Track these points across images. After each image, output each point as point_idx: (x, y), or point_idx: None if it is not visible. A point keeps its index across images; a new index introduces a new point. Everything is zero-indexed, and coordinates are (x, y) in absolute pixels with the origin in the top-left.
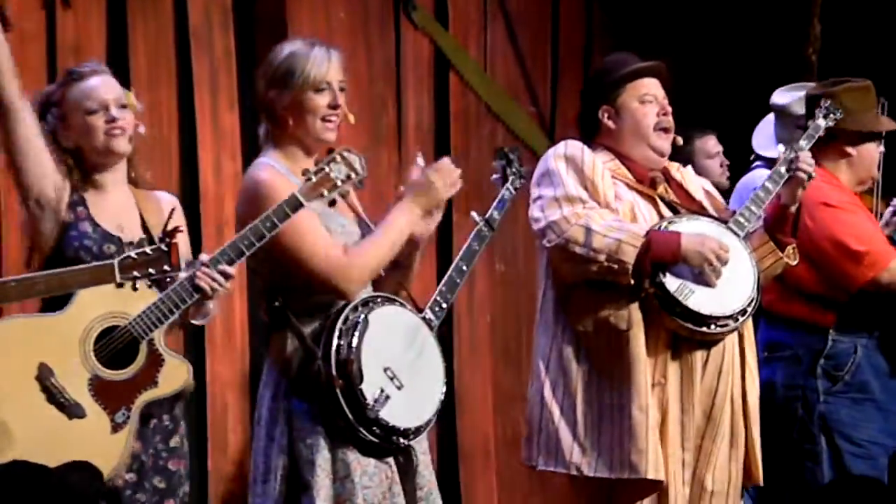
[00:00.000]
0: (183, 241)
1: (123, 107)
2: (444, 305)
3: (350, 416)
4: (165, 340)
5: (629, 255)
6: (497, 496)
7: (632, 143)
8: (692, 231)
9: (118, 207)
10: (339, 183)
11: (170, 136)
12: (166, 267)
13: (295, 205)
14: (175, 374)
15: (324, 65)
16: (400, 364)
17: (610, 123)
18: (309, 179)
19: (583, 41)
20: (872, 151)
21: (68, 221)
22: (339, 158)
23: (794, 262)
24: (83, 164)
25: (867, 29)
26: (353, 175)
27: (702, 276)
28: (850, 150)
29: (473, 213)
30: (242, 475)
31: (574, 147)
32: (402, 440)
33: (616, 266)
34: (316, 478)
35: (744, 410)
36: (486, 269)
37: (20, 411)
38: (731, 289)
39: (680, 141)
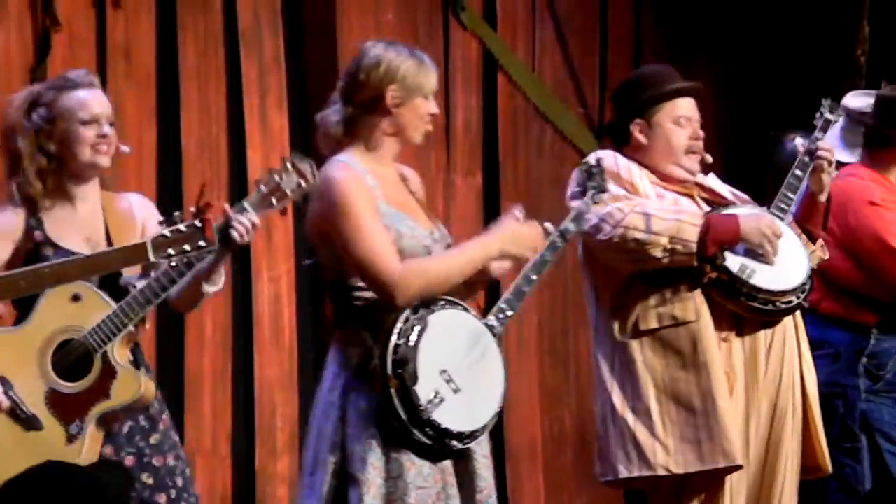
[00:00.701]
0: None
1: (112, 124)
2: (510, 313)
3: (404, 416)
4: (123, 352)
5: (692, 234)
6: (544, 497)
7: (661, 161)
8: (746, 212)
9: (85, 220)
10: (288, 192)
11: (219, 136)
12: (202, 243)
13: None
14: (127, 386)
15: (433, 74)
16: (458, 367)
17: (641, 138)
18: (259, 190)
19: (631, 42)
20: None
21: (30, 249)
22: (289, 167)
23: (825, 257)
24: (60, 172)
25: None
26: (303, 183)
27: (759, 255)
28: None
29: (548, 224)
30: (290, 475)
31: (608, 158)
32: (456, 443)
33: (680, 247)
34: (367, 475)
35: (804, 399)
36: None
37: None
38: (789, 266)
39: (709, 159)
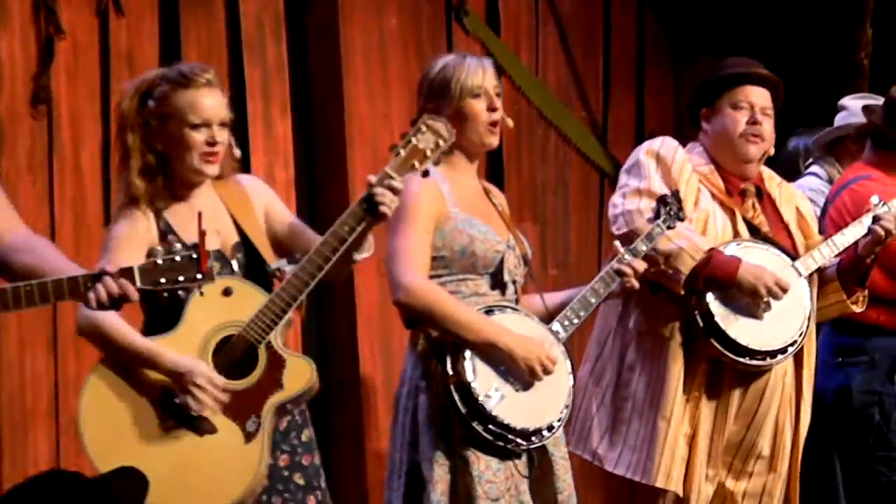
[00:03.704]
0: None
1: (224, 125)
2: (576, 321)
3: (464, 410)
4: (283, 340)
5: (686, 265)
6: None
7: (719, 148)
8: (753, 260)
9: (209, 215)
10: (428, 152)
11: None
12: (198, 275)
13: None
14: (299, 373)
15: (479, 72)
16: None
17: (706, 125)
18: (398, 154)
19: (635, 46)
20: None
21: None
22: (423, 127)
23: (859, 310)
24: (168, 172)
25: None
26: (440, 142)
27: (750, 307)
28: None
29: (616, 243)
30: None
31: (668, 146)
32: (521, 441)
33: (671, 272)
34: (434, 473)
35: (793, 440)
36: (539, 275)
37: (149, 437)
38: (776, 326)
39: (772, 151)
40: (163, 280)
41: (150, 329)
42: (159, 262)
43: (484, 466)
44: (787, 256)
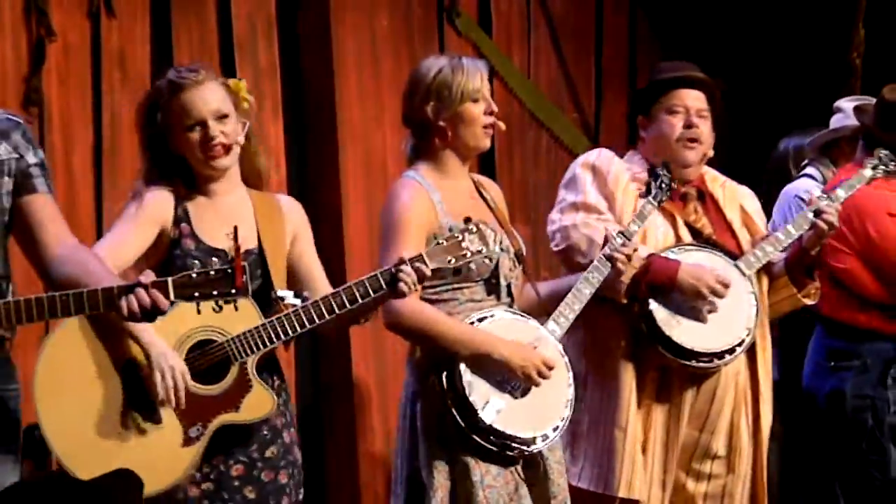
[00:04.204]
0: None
1: (223, 117)
2: (570, 316)
3: (462, 424)
4: (254, 366)
5: (626, 274)
6: None
7: (658, 154)
8: (693, 261)
9: (228, 215)
10: (468, 255)
11: None
12: (232, 290)
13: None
14: (258, 405)
15: (477, 75)
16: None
17: (643, 133)
18: (439, 243)
19: (627, 47)
20: None
21: (174, 238)
22: (474, 229)
23: (811, 303)
24: (189, 172)
25: None
26: (483, 250)
27: (694, 309)
28: None
29: (608, 228)
30: None
31: (603, 157)
32: (523, 448)
33: (611, 283)
34: (434, 480)
35: (755, 439)
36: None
37: (99, 401)
38: (721, 326)
39: (711, 153)
40: (196, 294)
41: None
42: (194, 275)
43: (484, 471)
44: (730, 257)
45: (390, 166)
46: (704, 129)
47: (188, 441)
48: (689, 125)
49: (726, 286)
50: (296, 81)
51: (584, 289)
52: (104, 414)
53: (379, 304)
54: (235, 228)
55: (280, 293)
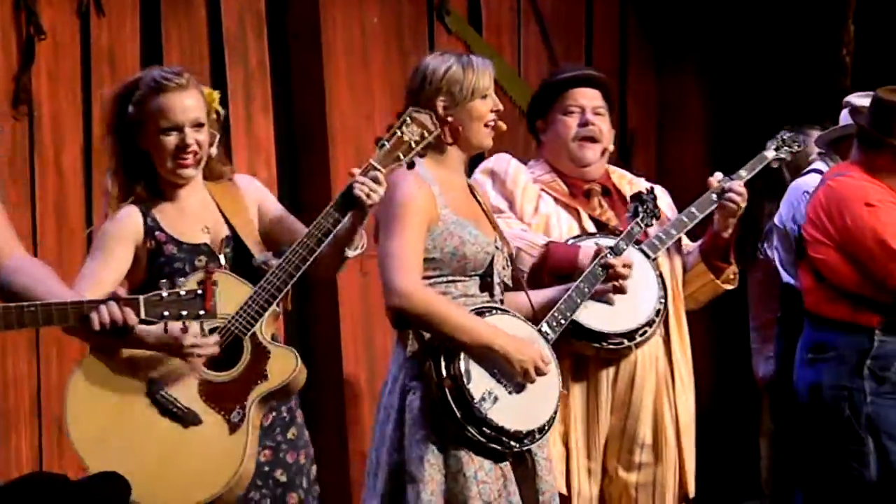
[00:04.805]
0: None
1: (199, 126)
2: (563, 322)
3: (458, 414)
4: (271, 332)
5: (525, 264)
6: None
7: (557, 155)
8: (592, 245)
9: (196, 209)
10: (413, 144)
11: None
12: (200, 312)
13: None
14: (284, 364)
15: (486, 73)
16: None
17: (542, 137)
18: (382, 146)
19: (617, 44)
20: None
21: (152, 249)
22: (409, 119)
23: (730, 287)
24: (153, 172)
25: None
26: (426, 134)
27: (598, 292)
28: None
29: (600, 242)
30: None
31: (500, 160)
32: (514, 443)
33: (517, 273)
34: (424, 473)
35: (676, 428)
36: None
37: (135, 429)
38: (628, 308)
39: (611, 148)
40: (166, 313)
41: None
42: (164, 295)
43: (478, 467)
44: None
45: None
46: (602, 126)
47: (234, 427)
48: (584, 123)
49: (629, 266)
50: (286, 79)
51: (577, 297)
52: (148, 438)
53: (356, 228)
54: (209, 270)
55: (259, 258)
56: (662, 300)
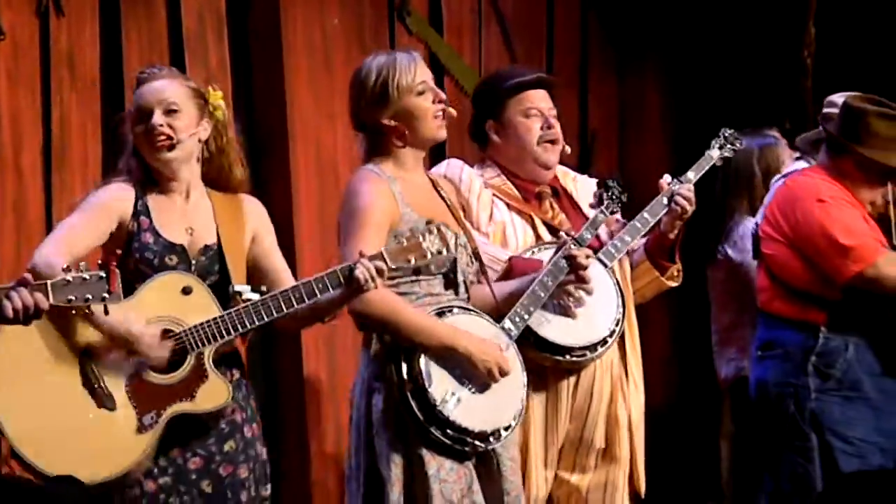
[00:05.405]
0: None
1: (173, 111)
2: (526, 317)
3: (420, 416)
4: (213, 358)
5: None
6: None
7: (517, 159)
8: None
9: (188, 213)
10: (428, 255)
11: None
12: (104, 294)
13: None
14: (214, 395)
15: (412, 68)
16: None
17: (496, 139)
18: (399, 242)
19: (578, 45)
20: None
21: (132, 231)
22: (435, 231)
23: (674, 285)
24: (148, 169)
25: (862, 32)
26: (444, 251)
27: (560, 305)
28: (861, 172)
29: (562, 232)
30: None
31: (452, 168)
32: (478, 443)
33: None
34: (391, 472)
35: (629, 422)
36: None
37: (53, 387)
38: (590, 320)
39: (568, 150)
40: (72, 297)
41: None
42: (69, 279)
43: (439, 465)
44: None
45: (342, 165)
46: (558, 128)
47: (142, 428)
48: (549, 126)
49: (588, 281)
50: (247, 80)
51: (540, 292)
52: (58, 400)
53: (342, 302)
54: (111, 234)
55: (237, 288)
56: (621, 308)
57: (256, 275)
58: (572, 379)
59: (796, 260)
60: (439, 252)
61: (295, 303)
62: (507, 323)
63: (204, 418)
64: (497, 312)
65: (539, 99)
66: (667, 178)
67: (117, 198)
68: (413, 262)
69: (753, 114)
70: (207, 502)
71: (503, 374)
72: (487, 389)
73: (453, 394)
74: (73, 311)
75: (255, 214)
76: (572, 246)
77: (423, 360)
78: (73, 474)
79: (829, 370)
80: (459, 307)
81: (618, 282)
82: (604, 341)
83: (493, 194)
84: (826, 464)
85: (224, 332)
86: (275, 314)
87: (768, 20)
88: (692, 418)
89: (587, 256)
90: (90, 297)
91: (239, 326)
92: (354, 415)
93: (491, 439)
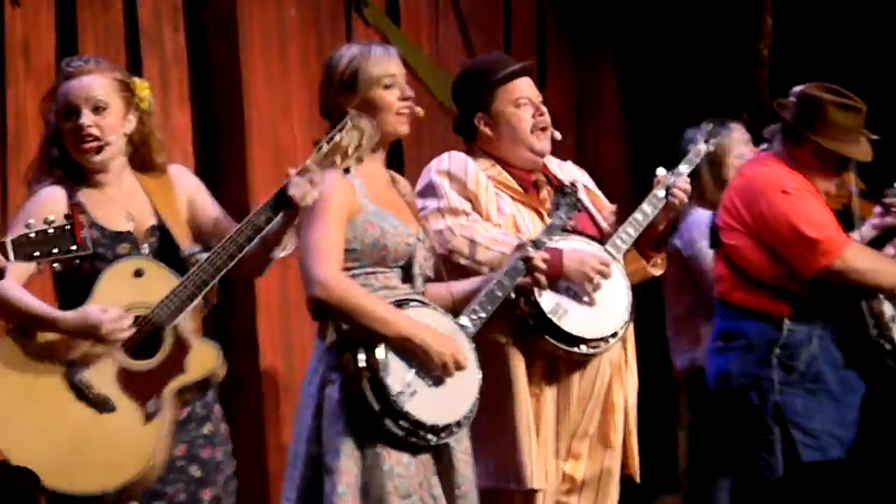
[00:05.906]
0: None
1: (101, 109)
2: (483, 315)
3: (376, 406)
4: (194, 325)
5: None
6: None
7: (511, 149)
8: (571, 247)
9: (122, 197)
10: (350, 150)
11: None
12: (72, 247)
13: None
14: (203, 358)
15: (385, 61)
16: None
17: (487, 130)
18: (320, 149)
19: (535, 35)
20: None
21: None
22: (349, 125)
23: (658, 273)
24: (76, 163)
25: (819, 23)
26: (364, 141)
27: (577, 296)
28: (818, 162)
29: (520, 235)
30: None
31: (457, 161)
32: (431, 436)
33: (437, 263)
34: (340, 464)
35: (624, 406)
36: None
37: (48, 411)
38: (605, 311)
39: (559, 136)
40: (37, 253)
41: (63, 308)
42: (32, 234)
43: (395, 461)
44: (596, 242)
45: (299, 157)
46: (547, 115)
47: (149, 417)
48: (540, 113)
49: (607, 265)
50: (203, 71)
51: (497, 292)
52: (59, 423)
53: (286, 226)
54: (73, 208)
55: (187, 250)
56: (632, 300)
57: (203, 233)
58: (581, 366)
59: (759, 251)
60: (360, 144)
61: (245, 242)
62: (463, 319)
63: (199, 393)
64: (452, 311)
65: (527, 87)
66: (661, 170)
67: (51, 202)
68: (338, 162)
69: (711, 105)
70: (198, 487)
71: (459, 368)
72: (442, 384)
73: (409, 385)
74: (40, 268)
75: (182, 180)
76: (529, 248)
77: (381, 350)
78: (103, 488)
79: (792, 362)
80: (416, 301)
81: (626, 273)
82: (615, 334)
83: (496, 186)
84: (788, 456)
85: (190, 296)
86: (230, 261)
87: (725, 11)
88: (649, 409)
89: (544, 260)
90: (56, 250)
91: (201, 285)
92: (301, 406)
93: (443, 433)
